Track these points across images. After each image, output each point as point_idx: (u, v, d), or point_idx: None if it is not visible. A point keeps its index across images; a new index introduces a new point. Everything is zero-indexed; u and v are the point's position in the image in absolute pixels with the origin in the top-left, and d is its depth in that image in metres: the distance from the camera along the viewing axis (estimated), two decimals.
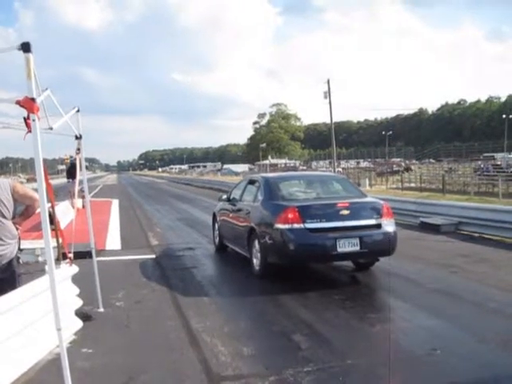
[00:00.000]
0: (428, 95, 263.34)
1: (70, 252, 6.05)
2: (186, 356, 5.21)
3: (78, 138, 6.16)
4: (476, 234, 12.39)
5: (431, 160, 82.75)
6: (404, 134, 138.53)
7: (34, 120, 3.40)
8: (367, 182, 39.31)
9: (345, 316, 6.47)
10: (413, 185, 37.07)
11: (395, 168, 59.49)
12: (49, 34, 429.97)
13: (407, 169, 54.14)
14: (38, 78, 3.53)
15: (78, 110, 5.91)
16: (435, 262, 9.50)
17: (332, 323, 6.19)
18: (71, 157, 19.47)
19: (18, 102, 3.37)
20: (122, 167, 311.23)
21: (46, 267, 5.49)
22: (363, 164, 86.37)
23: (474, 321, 6.21)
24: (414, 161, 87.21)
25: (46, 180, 3.94)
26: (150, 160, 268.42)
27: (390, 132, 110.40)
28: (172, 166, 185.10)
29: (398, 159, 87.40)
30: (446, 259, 9.72)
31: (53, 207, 5.52)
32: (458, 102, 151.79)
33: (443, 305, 6.93)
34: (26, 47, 3.32)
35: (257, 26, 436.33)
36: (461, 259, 9.66)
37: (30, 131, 3.45)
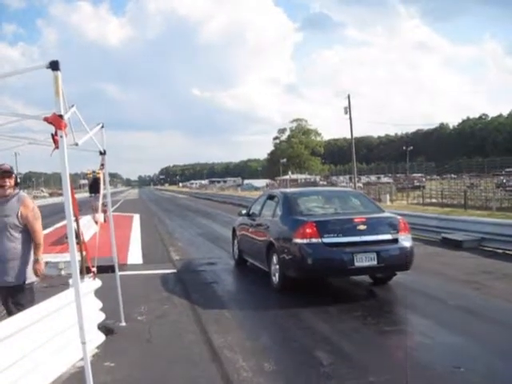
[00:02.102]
0: (449, 110, 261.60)
1: (93, 266, 6.11)
2: (208, 371, 5.22)
3: (103, 153, 6.25)
4: (499, 251, 12.22)
5: (452, 175, 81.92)
6: (425, 150, 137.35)
7: (61, 136, 3.47)
8: (388, 197, 39.07)
9: (366, 332, 6.43)
10: (434, 200, 36.77)
11: (416, 183, 59.13)
12: (71, 51, 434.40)
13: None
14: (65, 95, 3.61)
15: (102, 126, 6.00)
16: (457, 279, 9.41)
17: (353, 339, 6.15)
18: (94, 171, 19.67)
19: (46, 119, 3.44)
20: (143, 182, 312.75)
21: (70, 281, 5.58)
22: (384, 179, 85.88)
23: (497, 338, 6.10)
24: (435, 176, 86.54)
25: (72, 194, 4.00)
26: (171, 175, 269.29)
27: (411, 147, 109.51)
28: (192, 181, 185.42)
29: (419, 174, 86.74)
30: (469, 275, 9.61)
31: (77, 221, 5.59)
32: (480, 117, 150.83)
33: (465, 322, 6.86)
34: (54, 65, 3.39)
35: (277, 41, 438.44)
36: (483, 276, 9.54)
37: (57, 147, 3.51)
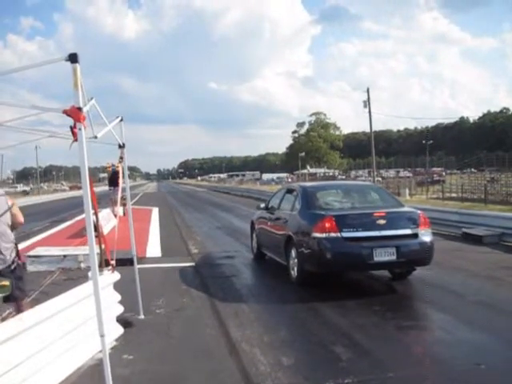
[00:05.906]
0: (469, 103, 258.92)
1: (112, 259, 6.13)
2: (226, 364, 5.21)
3: (122, 146, 6.26)
4: None
5: (473, 170, 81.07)
6: (445, 143, 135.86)
7: (80, 129, 3.46)
8: (407, 191, 38.76)
9: (385, 327, 6.38)
10: (454, 195, 36.37)
11: (436, 178, 58.60)
12: (87, 44, 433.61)
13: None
14: (84, 88, 3.59)
15: (121, 119, 6.01)
16: (477, 274, 9.31)
17: (372, 334, 6.10)
18: (113, 165, 19.77)
19: (65, 112, 3.43)
20: (161, 175, 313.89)
21: (89, 274, 5.60)
22: (403, 173, 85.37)
23: None
24: (455, 170, 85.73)
25: (91, 188, 4.00)
26: (190, 168, 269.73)
27: (431, 141, 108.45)
28: (211, 175, 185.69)
29: (439, 169, 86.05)
30: (489, 271, 9.50)
31: (96, 214, 5.60)
32: (501, 111, 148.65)
33: (486, 318, 6.77)
34: (73, 58, 3.38)
35: (294, 34, 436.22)
36: (504, 271, 9.42)
37: (76, 140, 3.51)
